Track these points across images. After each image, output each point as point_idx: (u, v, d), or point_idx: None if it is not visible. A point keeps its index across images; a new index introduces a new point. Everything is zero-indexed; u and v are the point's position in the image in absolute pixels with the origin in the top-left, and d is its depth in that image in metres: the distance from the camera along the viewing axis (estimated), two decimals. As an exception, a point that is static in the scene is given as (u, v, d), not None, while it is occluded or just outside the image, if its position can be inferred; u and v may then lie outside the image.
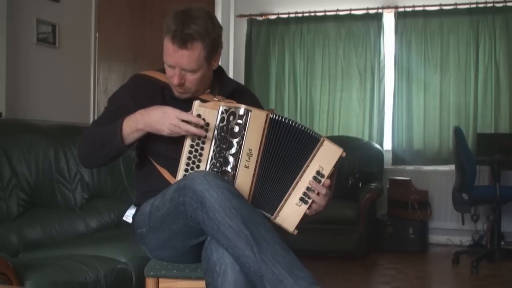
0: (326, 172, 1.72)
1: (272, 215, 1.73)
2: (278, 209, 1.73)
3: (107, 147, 1.77)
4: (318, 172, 1.72)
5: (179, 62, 1.73)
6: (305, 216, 1.74)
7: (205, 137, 1.70)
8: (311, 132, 1.73)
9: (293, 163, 1.72)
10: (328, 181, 1.73)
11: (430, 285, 3.80)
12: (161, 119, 1.68)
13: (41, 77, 3.68)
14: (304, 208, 1.73)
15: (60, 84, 3.85)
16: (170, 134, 1.69)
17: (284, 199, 1.73)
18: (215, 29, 1.76)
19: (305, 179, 1.72)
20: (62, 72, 3.87)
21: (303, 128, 1.72)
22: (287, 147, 1.72)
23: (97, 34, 4.25)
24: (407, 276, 3.90)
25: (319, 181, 1.71)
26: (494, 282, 3.71)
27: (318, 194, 1.72)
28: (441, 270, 4.15)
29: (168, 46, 1.72)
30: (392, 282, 3.70)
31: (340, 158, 1.72)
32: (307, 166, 1.72)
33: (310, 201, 1.73)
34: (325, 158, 1.72)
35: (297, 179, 1.72)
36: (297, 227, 1.73)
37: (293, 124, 1.72)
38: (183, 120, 1.66)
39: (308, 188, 1.72)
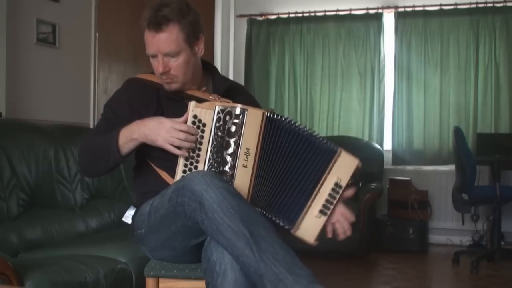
0: (344, 183, 1.72)
1: (292, 227, 1.73)
2: (298, 221, 1.73)
3: (105, 159, 1.77)
4: (336, 184, 1.72)
5: (158, 47, 1.73)
6: (324, 227, 1.75)
7: (202, 137, 1.69)
8: (327, 142, 1.72)
9: (307, 172, 1.72)
10: (351, 191, 1.74)
11: (430, 285, 3.80)
12: (156, 129, 1.68)
13: (41, 77, 3.68)
14: (323, 220, 1.74)
15: (60, 84, 3.85)
16: (163, 144, 1.67)
17: (304, 211, 1.73)
18: (191, 12, 1.77)
19: (324, 191, 1.72)
20: (62, 72, 3.87)
21: (313, 137, 1.71)
22: (288, 146, 1.71)
23: (97, 34, 4.25)
24: (407, 276, 3.90)
25: (338, 192, 1.72)
26: (494, 282, 3.71)
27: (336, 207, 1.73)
28: (441, 270, 4.15)
29: (147, 35, 1.75)
30: (392, 282, 3.70)
31: (357, 169, 1.72)
32: (325, 178, 1.72)
33: (329, 212, 1.73)
34: (343, 169, 1.72)
35: (316, 191, 1.72)
36: (317, 239, 1.75)
37: (294, 125, 1.71)
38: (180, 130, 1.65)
39: (327, 200, 1.72)
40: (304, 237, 1.74)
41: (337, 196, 1.73)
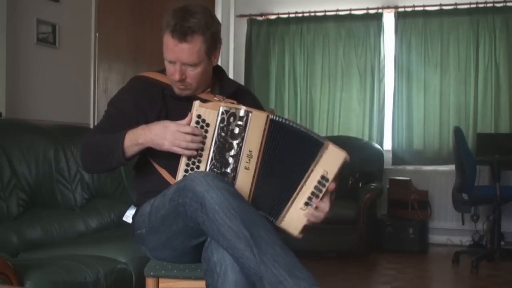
0: (331, 176, 1.71)
1: (277, 219, 1.72)
2: (283, 213, 1.72)
3: (108, 159, 1.77)
4: (323, 177, 1.71)
5: (179, 56, 1.72)
6: (309, 220, 1.74)
7: (205, 137, 1.69)
8: (314, 136, 1.72)
9: (296, 166, 1.71)
10: (333, 185, 1.72)
11: (430, 285, 3.80)
12: (162, 133, 1.67)
13: (41, 77, 3.68)
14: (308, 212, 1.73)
15: (60, 84, 3.85)
16: (170, 148, 1.67)
17: (289, 203, 1.72)
18: (214, 24, 1.77)
19: (310, 184, 1.71)
20: (62, 72, 3.87)
21: (305, 131, 1.71)
22: (288, 148, 1.71)
23: (97, 34, 4.25)
24: (407, 276, 3.90)
25: (324, 185, 1.71)
26: (494, 282, 3.71)
27: (321, 200, 1.71)
28: (441, 270, 4.15)
29: (168, 41, 1.72)
30: (392, 282, 3.70)
31: (344, 161, 1.71)
32: (312, 170, 1.71)
33: (314, 205, 1.72)
34: (329, 162, 1.71)
35: (301, 183, 1.71)
36: (302, 231, 1.73)
37: (294, 126, 1.71)
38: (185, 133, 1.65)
39: (312, 193, 1.71)
40: (288, 229, 1.73)
41: (323, 189, 1.71)
